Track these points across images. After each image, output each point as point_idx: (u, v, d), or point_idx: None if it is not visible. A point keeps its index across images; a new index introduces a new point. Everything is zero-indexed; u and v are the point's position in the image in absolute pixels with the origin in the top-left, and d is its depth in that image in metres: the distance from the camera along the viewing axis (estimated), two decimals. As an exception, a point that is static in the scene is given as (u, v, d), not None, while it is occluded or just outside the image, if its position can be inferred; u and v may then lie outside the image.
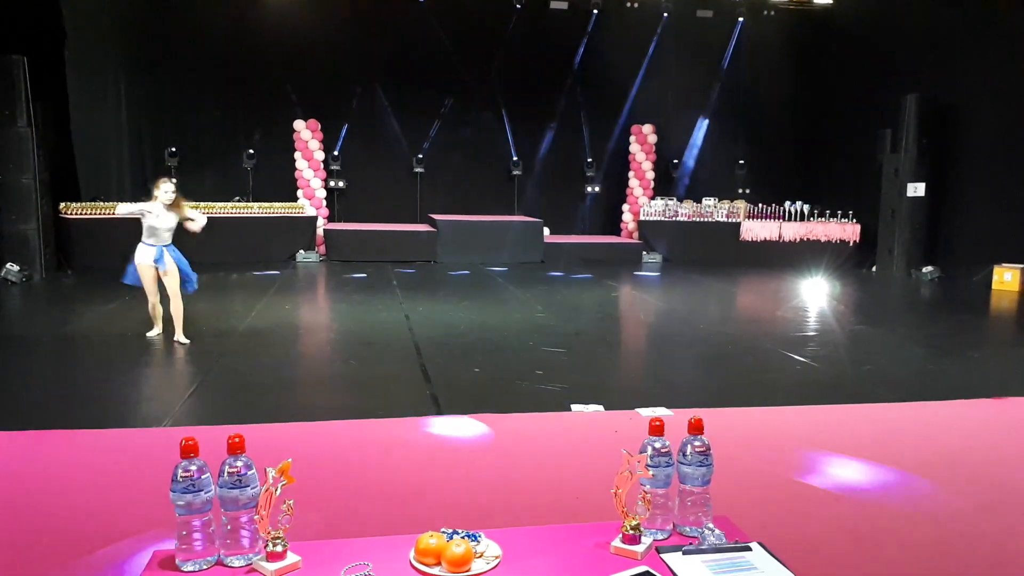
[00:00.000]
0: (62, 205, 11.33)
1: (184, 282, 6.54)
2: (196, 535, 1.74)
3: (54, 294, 9.61)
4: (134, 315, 7.76)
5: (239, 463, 1.76)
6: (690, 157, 15.58)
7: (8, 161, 10.16)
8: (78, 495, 3.28)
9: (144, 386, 5.49)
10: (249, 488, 1.76)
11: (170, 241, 6.52)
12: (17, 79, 10.09)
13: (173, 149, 13.23)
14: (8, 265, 9.93)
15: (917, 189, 12.41)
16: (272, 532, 1.73)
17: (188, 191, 13.25)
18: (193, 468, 1.75)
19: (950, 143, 12.21)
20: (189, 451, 1.76)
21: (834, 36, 14.86)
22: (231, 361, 6.08)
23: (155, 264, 6.40)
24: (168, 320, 6.57)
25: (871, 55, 13.80)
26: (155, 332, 6.66)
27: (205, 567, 1.74)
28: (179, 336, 6.47)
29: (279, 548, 1.73)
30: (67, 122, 12.21)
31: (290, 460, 1.78)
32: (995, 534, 3.02)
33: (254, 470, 1.78)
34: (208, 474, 1.77)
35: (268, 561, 1.72)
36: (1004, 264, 10.87)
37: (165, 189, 6.41)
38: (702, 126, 15.55)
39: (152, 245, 6.41)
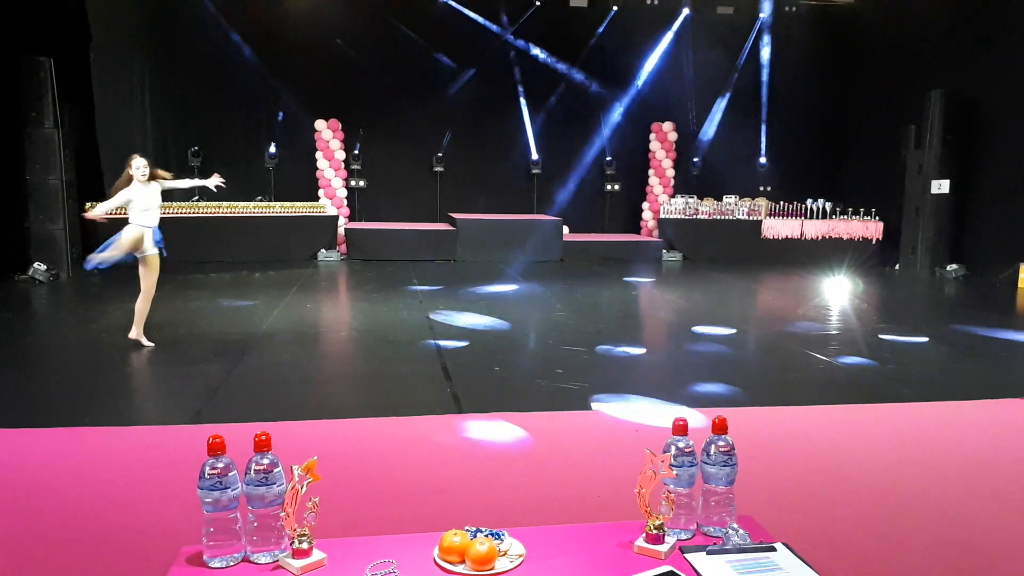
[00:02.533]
0: (87, 205, 11.45)
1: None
2: (223, 532, 1.77)
3: (80, 293, 9.74)
4: (159, 314, 7.85)
5: (266, 460, 1.78)
6: (708, 149, 15.41)
7: (35, 162, 10.30)
8: (107, 491, 3.33)
9: (170, 383, 5.54)
10: (275, 485, 1.78)
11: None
12: (44, 81, 10.23)
13: (196, 149, 13.36)
14: (35, 264, 10.08)
15: (942, 186, 12.26)
16: (298, 529, 1.75)
17: (210, 191, 13.49)
18: (220, 465, 1.77)
19: (975, 139, 12.04)
20: (216, 448, 1.78)
21: (857, 31, 14.72)
22: (255, 359, 6.13)
23: (157, 246, 6.27)
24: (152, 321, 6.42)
25: (895, 50, 13.65)
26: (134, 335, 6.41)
27: (232, 564, 1.76)
28: (137, 335, 6.31)
29: (305, 545, 1.75)
30: (92, 123, 12.38)
31: (316, 458, 1.79)
32: (1019, 534, 2.99)
33: (280, 468, 1.80)
34: (235, 471, 1.79)
35: (294, 558, 1.74)
36: (1031, 262, 10.72)
37: (136, 166, 6.25)
38: (719, 109, 15.36)
39: (148, 226, 6.25)
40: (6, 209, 10.14)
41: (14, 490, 3.32)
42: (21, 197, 10.31)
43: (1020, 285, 10.73)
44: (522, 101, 14.96)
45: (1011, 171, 11.40)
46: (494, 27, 14.55)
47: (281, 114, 14.06)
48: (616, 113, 15.33)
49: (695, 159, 15.34)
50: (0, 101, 10.00)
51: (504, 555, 1.77)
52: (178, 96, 13.73)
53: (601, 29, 14.83)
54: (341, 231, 13.36)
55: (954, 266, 11.99)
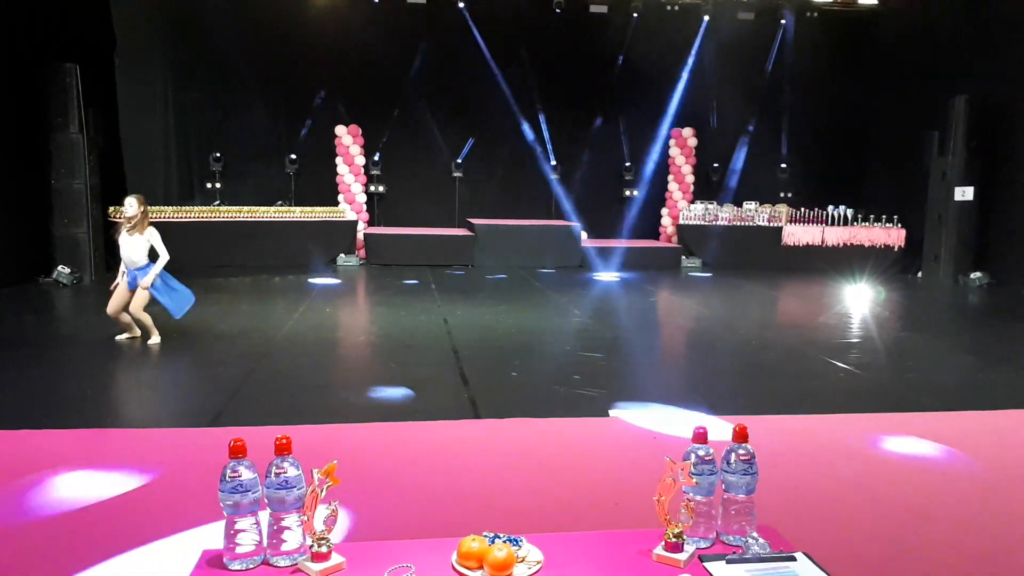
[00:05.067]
0: (111, 209, 11.60)
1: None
2: (243, 535, 1.77)
3: (103, 296, 9.76)
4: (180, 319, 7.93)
5: (286, 464, 1.79)
6: (735, 161, 15.36)
7: (60, 166, 10.44)
8: (129, 493, 3.36)
9: (191, 386, 5.59)
10: (296, 489, 1.78)
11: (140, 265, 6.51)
12: (69, 86, 10.37)
13: (218, 154, 13.49)
14: (59, 268, 10.21)
15: (965, 193, 12.12)
16: (317, 533, 1.76)
17: (232, 195, 13.63)
18: (241, 469, 1.78)
19: (1000, 145, 11.89)
20: (237, 452, 1.79)
21: (879, 37, 14.60)
22: (275, 362, 6.16)
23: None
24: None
25: (918, 55, 13.52)
26: (152, 340, 6.67)
27: (252, 567, 1.77)
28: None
29: (324, 549, 1.75)
30: (116, 128, 12.52)
31: (335, 462, 1.80)
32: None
33: (300, 471, 1.80)
34: (256, 475, 1.80)
35: (313, 562, 1.74)
36: (1057, 270, 10.58)
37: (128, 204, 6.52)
38: (748, 132, 15.33)
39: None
40: (31, 213, 10.29)
41: (36, 490, 3.36)
42: (46, 201, 10.45)
43: (1045, 294, 10.58)
44: (540, 106, 14.96)
45: (1036, 178, 11.26)
46: (514, 32, 14.56)
47: (307, 125, 14.15)
48: (636, 119, 15.29)
49: (715, 165, 15.27)
50: (26, 106, 10.16)
51: (522, 561, 1.76)
52: (200, 101, 13.87)
53: (622, 35, 14.81)
54: (360, 236, 13.43)
55: (978, 274, 11.84)
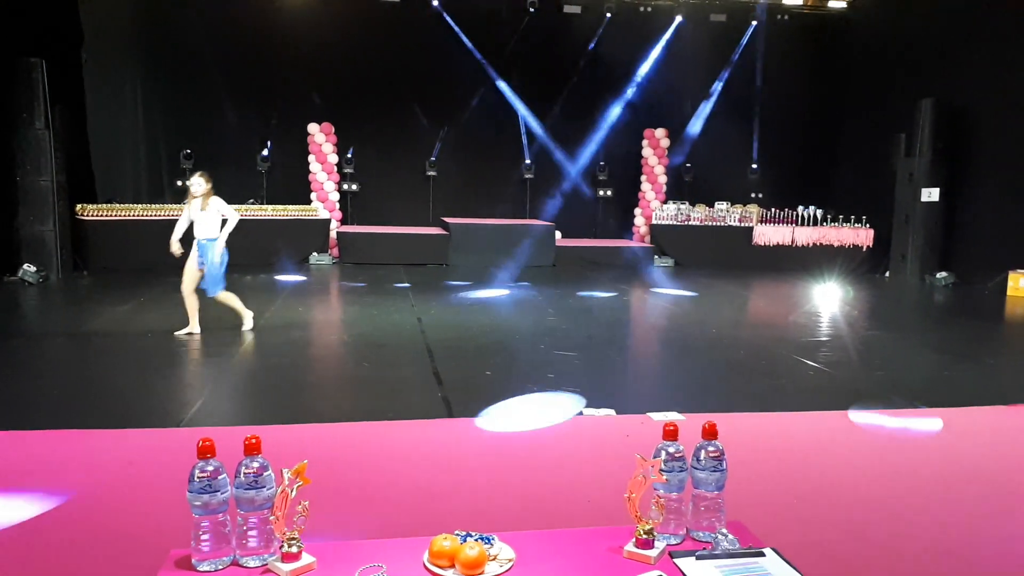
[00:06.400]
0: (78, 207, 11.42)
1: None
2: (212, 535, 1.76)
3: (70, 295, 9.69)
4: (149, 316, 7.84)
5: (256, 464, 1.78)
6: (700, 156, 15.45)
7: (26, 163, 10.26)
8: (96, 494, 3.31)
9: (159, 387, 5.52)
10: (265, 489, 1.77)
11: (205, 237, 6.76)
12: (35, 82, 10.19)
13: (188, 151, 13.32)
14: (25, 266, 10.03)
15: (931, 194, 12.33)
16: (287, 533, 1.75)
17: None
18: (210, 469, 1.76)
19: (965, 147, 12.12)
20: (206, 452, 1.77)
21: (849, 40, 14.80)
22: (246, 363, 6.11)
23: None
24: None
25: (886, 59, 13.73)
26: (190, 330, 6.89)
27: (221, 567, 1.76)
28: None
29: (294, 549, 1.74)
30: (84, 124, 12.33)
31: (306, 462, 1.79)
32: (1006, 540, 3.00)
33: (270, 471, 1.79)
34: (225, 475, 1.78)
35: (283, 562, 1.73)
36: (1019, 270, 10.80)
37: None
38: (711, 116, 15.42)
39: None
40: (-4, 210, 10.10)
41: (1, 493, 3.30)
42: (11, 198, 10.26)
43: (1008, 293, 10.80)
44: (515, 106, 14.97)
45: (1000, 180, 11.49)
46: (488, 32, 14.55)
47: (274, 119, 14.02)
48: (609, 119, 15.36)
49: (687, 165, 15.38)
50: (-10, 102, 9.97)
51: (494, 559, 1.77)
52: (170, 98, 13.69)
53: (595, 36, 14.87)
54: (333, 234, 13.34)
55: (943, 273, 12.06)
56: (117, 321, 7.72)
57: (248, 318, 7.10)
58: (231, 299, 6.98)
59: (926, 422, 4.73)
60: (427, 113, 14.57)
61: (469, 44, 14.43)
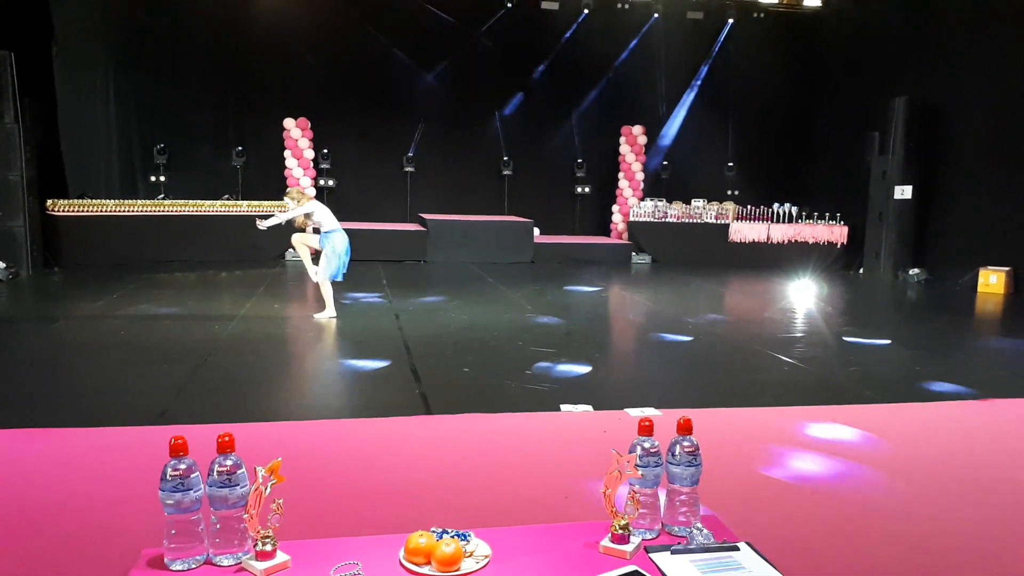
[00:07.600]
0: (49, 202, 11.24)
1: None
2: (185, 534, 1.74)
3: (41, 292, 9.54)
4: (121, 312, 7.74)
5: (228, 462, 1.76)
6: (677, 153, 15.54)
7: (-6, 157, 10.08)
8: (67, 493, 3.26)
9: (132, 384, 5.45)
10: (239, 487, 1.76)
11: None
12: (4, 75, 10.01)
13: (161, 146, 13.17)
14: (-6, 262, 9.86)
15: (904, 191, 12.50)
16: (261, 531, 1.73)
17: (176, 189, 13.32)
18: (182, 467, 1.74)
19: (938, 146, 12.30)
20: (178, 450, 1.75)
21: (823, 39, 14.95)
22: (220, 359, 6.05)
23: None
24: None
25: (860, 57, 13.89)
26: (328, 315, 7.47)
27: (194, 566, 1.74)
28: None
29: (268, 547, 1.73)
30: (55, 118, 12.12)
31: (280, 459, 1.78)
32: (975, 533, 3.05)
33: (244, 469, 1.78)
34: (197, 473, 1.76)
35: (257, 560, 1.72)
36: (990, 267, 10.97)
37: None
38: (687, 113, 15.52)
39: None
40: (-36, 205, 9.92)
41: (-31, 493, 3.24)
42: (-21, 193, 10.08)
43: (980, 289, 10.97)
44: (493, 102, 14.96)
45: (971, 177, 11.67)
46: (465, 28, 14.53)
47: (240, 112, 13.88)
48: (586, 115, 15.39)
49: (664, 162, 15.46)
50: (-42, 95, 9.78)
51: (470, 556, 1.76)
52: (143, 92, 13.51)
53: (572, 32, 14.89)
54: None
55: (916, 270, 12.23)
56: (89, 318, 7.61)
57: (327, 312, 7.56)
58: (324, 288, 7.54)
59: (898, 417, 4.79)
60: (404, 108, 14.51)
61: (440, 40, 14.39)
